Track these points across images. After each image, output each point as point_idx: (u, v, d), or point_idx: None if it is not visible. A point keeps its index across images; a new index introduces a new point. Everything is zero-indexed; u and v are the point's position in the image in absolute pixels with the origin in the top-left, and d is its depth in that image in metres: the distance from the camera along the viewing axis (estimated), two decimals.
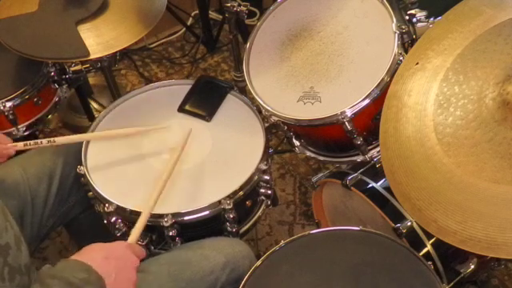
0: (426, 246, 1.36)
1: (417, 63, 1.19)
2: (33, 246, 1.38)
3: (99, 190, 1.36)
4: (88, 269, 0.97)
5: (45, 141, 1.36)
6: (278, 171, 2.20)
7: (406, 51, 1.41)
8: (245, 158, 1.41)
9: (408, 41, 1.43)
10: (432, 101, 1.13)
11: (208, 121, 1.52)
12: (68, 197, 1.46)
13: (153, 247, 1.40)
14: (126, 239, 1.16)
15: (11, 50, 1.48)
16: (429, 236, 1.36)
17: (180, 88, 1.61)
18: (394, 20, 1.41)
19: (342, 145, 1.50)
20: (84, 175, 1.39)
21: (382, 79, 1.35)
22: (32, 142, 1.36)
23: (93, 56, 1.47)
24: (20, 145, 1.36)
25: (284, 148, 2.25)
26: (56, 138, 1.37)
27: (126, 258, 1.06)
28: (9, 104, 1.58)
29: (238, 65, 1.91)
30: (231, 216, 1.33)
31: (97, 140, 1.49)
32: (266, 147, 1.43)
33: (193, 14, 2.87)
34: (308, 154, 1.59)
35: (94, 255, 1.02)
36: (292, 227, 2.03)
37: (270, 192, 1.44)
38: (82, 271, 0.97)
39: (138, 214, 1.25)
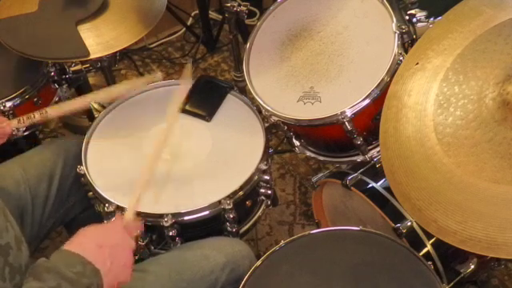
0: (426, 246, 1.36)
1: (417, 63, 1.19)
2: (33, 246, 1.38)
3: (99, 190, 1.36)
4: (83, 261, 0.96)
5: (37, 114, 1.37)
6: (278, 171, 2.20)
7: (406, 51, 1.41)
8: (245, 158, 1.41)
9: (408, 41, 1.43)
10: (432, 101, 1.12)
11: (208, 121, 1.52)
12: (68, 197, 1.46)
13: (153, 247, 1.40)
14: None
15: (11, 50, 1.48)
16: (429, 236, 1.36)
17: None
18: (394, 20, 1.41)
19: (342, 145, 1.50)
20: (84, 175, 1.39)
21: (382, 79, 1.35)
22: (25, 117, 1.37)
23: (93, 56, 1.47)
24: (14, 122, 1.38)
25: (284, 148, 2.25)
26: (48, 109, 1.38)
27: (121, 243, 1.04)
28: (9, 104, 1.58)
29: (238, 65, 1.91)
30: (231, 216, 1.33)
31: (97, 136, 1.49)
32: (266, 147, 1.43)
33: (193, 14, 2.87)
34: (308, 153, 1.59)
35: (88, 245, 0.99)
36: (292, 227, 2.03)
37: (269, 192, 1.44)
38: (76, 264, 0.95)
39: (137, 213, 1.25)
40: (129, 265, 1.03)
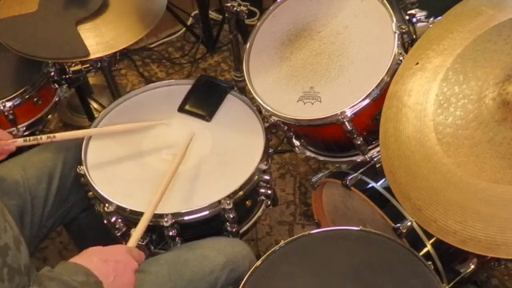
0: (426, 246, 1.36)
1: (417, 63, 1.19)
2: (32, 246, 1.38)
3: (99, 190, 1.36)
4: (87, 272, 0.98)
5: (44, 137, 1.37)
6: (277, 171, 2.20)
7: (406, 51, 1.41)
8: (245, 158, 1.41)
9: (408, 41, 1.43)
10: (432, 101, 1.13)
11: (208, 121, 1.52)
12: (68, 197, 1.46)
13: (153, 247, 1.40)
14: (126, 239, 1.17)
15: (11, 50, 1.48)
16: (429, 236, 1.36)
17: (180, 88, 1.61)
18: (394, 20, 1.40)
19: (342, 145, 1.50)
20: (84, 175, 1.39)
21: (382, 79, 1.35)
22: (32, 137, 1.37)
23: (93, 56, 1.47)
24: (20, 141, 1.37)
25: (284, 148, 2.25)
26: (56, 134, 1.38)
27: (126, 262, 1.06)
28: (9, 104, 1.58)
29: (237, 65, 1.91)
30: (231, 216, 1.33)
31: (97, 136, 1.49)
32: (266, 147, 1.43)
33: (193, 14, 2.87)
34: (308, 154, 1.59)
35: (93, 258, 1.02)
36: (292, 227, 2.03)
37: (270, 192, 1.43)
38: (80, 274, 0.97)
39: (137, 213, 1.25)
40: (131, 283, 1.05)
